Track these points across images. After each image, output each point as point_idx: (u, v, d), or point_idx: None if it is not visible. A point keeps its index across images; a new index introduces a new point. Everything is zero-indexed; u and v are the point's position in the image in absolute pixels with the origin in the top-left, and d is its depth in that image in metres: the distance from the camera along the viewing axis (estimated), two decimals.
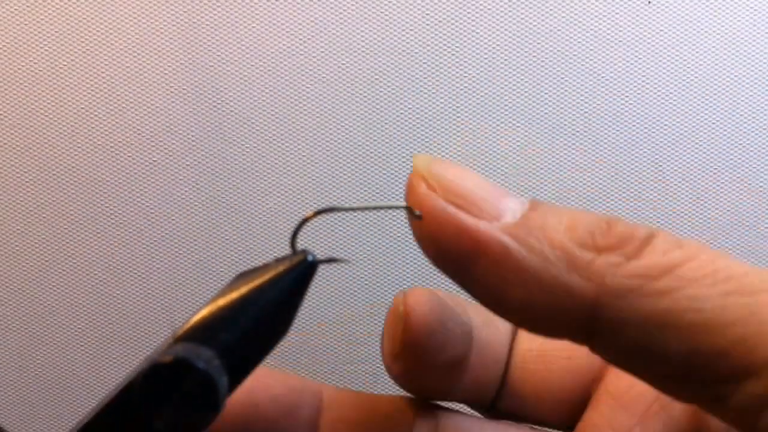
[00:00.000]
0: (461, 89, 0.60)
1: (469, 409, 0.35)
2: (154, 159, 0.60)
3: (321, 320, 0.61)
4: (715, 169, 0.62)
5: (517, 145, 0.61)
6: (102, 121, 0.59)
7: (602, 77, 0.60)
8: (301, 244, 0.27)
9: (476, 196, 0.24)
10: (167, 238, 0.61)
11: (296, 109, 0.60)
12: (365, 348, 0.62)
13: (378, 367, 0.64)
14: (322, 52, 0.59)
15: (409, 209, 0.26)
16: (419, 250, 0.26)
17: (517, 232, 0.23)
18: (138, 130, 0.59)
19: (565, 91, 0.60)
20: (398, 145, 0.60)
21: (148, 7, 0.58)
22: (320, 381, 0.32)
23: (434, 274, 0.63)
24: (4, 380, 0.62)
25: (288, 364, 0.61)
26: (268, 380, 0.31)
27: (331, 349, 0.62)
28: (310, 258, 0.26)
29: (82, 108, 0.59)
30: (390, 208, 0.29)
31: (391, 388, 0.34)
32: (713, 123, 0.61)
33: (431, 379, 0.32)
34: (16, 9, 0.58)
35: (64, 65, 0.59)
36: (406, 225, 0.26)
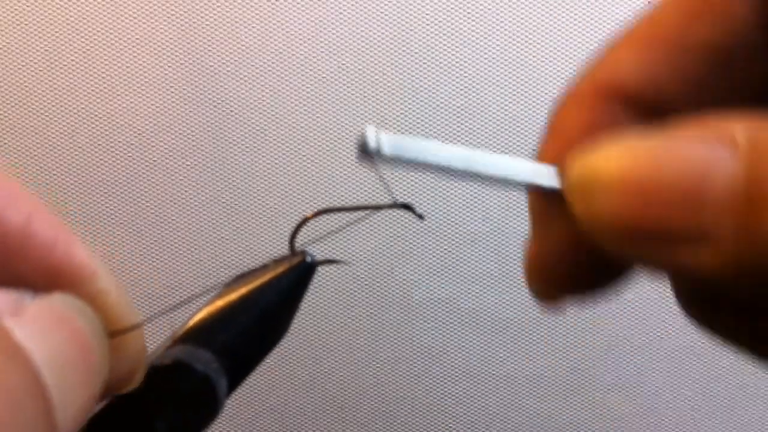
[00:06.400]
0: (462, 89, 0.60)
1: None
2: (154, 159, 0.60)
3: (320, 320, 0.61)
4: None
5: (518, 147, 0.60)
6: (102, 121, 0.59)
7: None
8: (300, 244, 0.27)
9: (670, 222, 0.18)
10: (167, 238, 0.61)
11: (296, 109, 0.60)
12: (365, 347, 0.61)
13: (378, 366, 0.64)
14: (322, 52, 0.59)
15: (410, 209, 0.26)
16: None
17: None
18: (138, 130, 0.59)
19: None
20: None
21: (148, 7, 0.58)
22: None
23: (434, 275, 0.63)
24: None
25: (288, 364, 0.61)
26: None
27: (332, 350, 0.62)
28: (309, 259, 0.26)
29: (82, 108, 0.59)
30: (390, 208, 0.28)
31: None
32: None
33: None
34: (16, 9, 0.58)
35: (64, 65, 0.58)
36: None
